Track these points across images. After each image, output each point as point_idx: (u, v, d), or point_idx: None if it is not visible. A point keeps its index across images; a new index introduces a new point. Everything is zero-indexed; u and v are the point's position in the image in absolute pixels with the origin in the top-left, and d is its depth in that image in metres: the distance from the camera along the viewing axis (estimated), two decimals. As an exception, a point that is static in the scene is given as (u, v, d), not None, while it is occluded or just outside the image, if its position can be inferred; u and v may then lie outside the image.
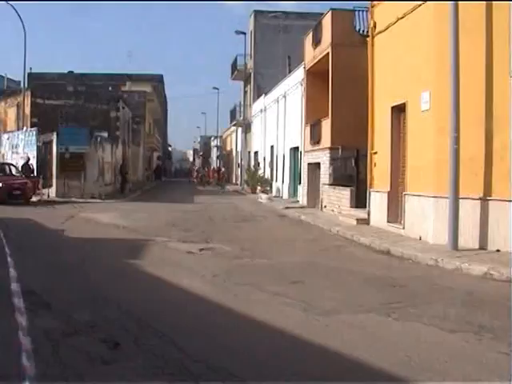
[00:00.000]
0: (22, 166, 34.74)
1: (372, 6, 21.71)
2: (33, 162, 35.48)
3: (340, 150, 27.23)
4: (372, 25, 21.50)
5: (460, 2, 14.92)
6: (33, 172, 34.31)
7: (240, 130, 67.21)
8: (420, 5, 17.26)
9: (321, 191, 29.91)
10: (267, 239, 18.61)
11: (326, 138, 29.03)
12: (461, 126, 14.77)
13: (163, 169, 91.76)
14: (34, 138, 36.64)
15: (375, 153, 21.24)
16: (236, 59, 65.16)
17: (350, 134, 24.96)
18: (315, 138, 31.23)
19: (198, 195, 44.38)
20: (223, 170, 79.01)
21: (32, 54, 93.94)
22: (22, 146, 38.21)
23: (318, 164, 30.81)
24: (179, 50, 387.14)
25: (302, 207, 31.66)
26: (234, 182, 70.66)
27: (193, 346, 6.92)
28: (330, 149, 28.31)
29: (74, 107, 44.08)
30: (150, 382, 5.83)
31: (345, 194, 25.18)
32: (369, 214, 21.54)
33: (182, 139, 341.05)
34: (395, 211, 19.30)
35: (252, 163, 56.14)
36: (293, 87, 38.47)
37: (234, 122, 69.27)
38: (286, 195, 40.19)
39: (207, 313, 8.89)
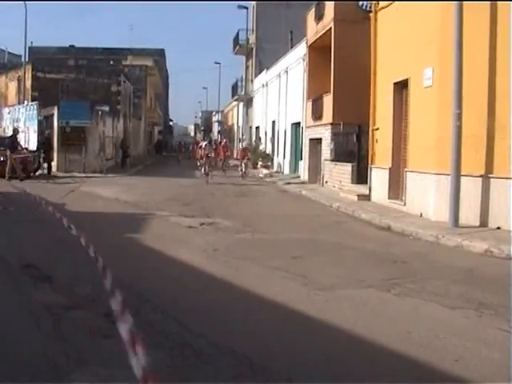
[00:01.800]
0: (39, 141, 34.71)
1: (375, -19, 21.58)
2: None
3: (342, 126, 27.15)
4: (375, 0, 21.36)
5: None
6: (52, 150, 34.33)
7: (241, 104, 67.04)
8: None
9: (322, 167, 29.88)
10: (268, 214, 18.63)
11: (328, 114, 28.92)
12: (463, 103, 14.72)
13: (164, 143, 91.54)
14: (35, 112, 36.57)
15: (377, 129, 21.19)
16: (238, 34, 64.84)
17: (352, 110, 24.86)
18: (317, 114, 31.12)
19: (198, 170, 44.32)
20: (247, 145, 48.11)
21: (33, 28, 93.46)
22: (23, 120, 38.16)
23: (320, 140, 30.74)
24: (181, 24, 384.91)
25: (303, 183, 31.65)
26: (235, 157, 70.55)
27: (193, 321, 6.93)
28: (332, 124, 28.21)
29: (75, 81, 44.02)
30: (150, 355, 5.85)
31: (346, 169, 25.15)
32: (370, 190, 21.53)
33: (183, 114, 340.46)
34: (396, 187, 19.28)
35: (253, 138, 56.07)
36: (295, 62, 38.31)
37: (236, 97, 69.10)
38: (287, 171, 40.17)
39: (208, 287, 8.91)
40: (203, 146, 37.52)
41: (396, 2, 19.30)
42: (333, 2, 28.18)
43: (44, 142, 34.47)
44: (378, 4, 21.02)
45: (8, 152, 28.93)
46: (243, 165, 37.57)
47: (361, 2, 23.15)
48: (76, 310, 7.26)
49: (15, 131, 32.09)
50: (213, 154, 38.28)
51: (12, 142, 30.26)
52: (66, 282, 8.65)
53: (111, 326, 6.71)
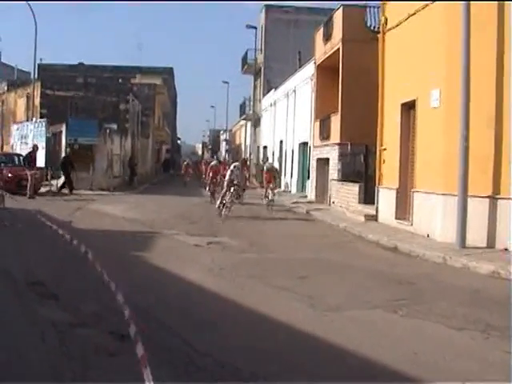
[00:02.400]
0: (63, 158, 34.47)
1: (383, 3, 21.66)
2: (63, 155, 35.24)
3: (349, 146, 27.20)
4: (383, 21, 21.44)
5: (472, 2, 14.92)
6: (73, 167, 34.20)
7: (249, 124, 67.19)
8: (432, 2, 17.22)
9: (329, 187, 29.89)
10: (274, 234, 18.62)
11: (336, 134, 28.98)
12: (471, 124, 14.73)
13: (172, 162, 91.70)
14: (44, 129, 36.68)
15: (384, 149, 21.20)
16: (246, 53, 65.09)
17: (360, 130, 24.91)
18: (324, 134, 31.19)
19: (205, 189, 44.28)
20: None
21: (42, 45, 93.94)
22: (32, 136, 38.26)
23: (327, 159, 30.78)
24: (190, 44, 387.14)
25: (310, 202, 31.61)
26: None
27: (199, 340, 6.92)
28: (339, 144, 28.26)
29: (83, 99, 44.15)
30: (155, 373, 5.84)
31: (353, 189, 25.13)
32: (377, 211, 21.50)
33: (191, 133, 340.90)
34: (403, 208, 19.25)
35: (261, 158, 56.15)
36: (303, 82, 38.42)
37: (244, 116, 69.31)
38: (294, 190, 40.17)
39: (214, 306, 8.90)
40: (231, 169, 25.03)
41: (403, 24, 19.33)
42: (341, 24, 28.30)
43: (65, 160, 34.23)
44: (386, 25, 21.09)
45: (28, 171, 29.02)
46: (269, 191, 28.31)
47: (369, 23, 23.29)
48: (82, 328, 7.26)
49: (35, 147, 32.18)
50: (240, 183, 25.41)
51: (32, 158, 30.40)
52: (72, 299, 8.66)
53: (117, 343, 6.72)
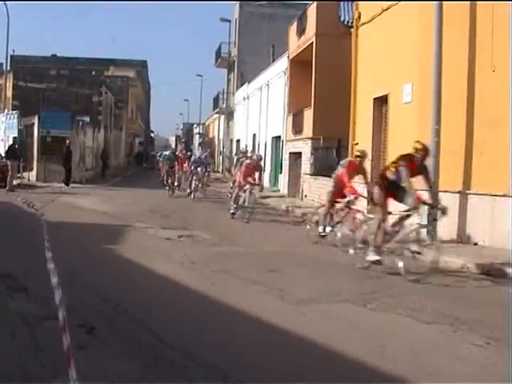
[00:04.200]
0: (64, 153, 34.06)
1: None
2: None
3: (322, 141, 27.27)
4: (356, 16, 21.50)
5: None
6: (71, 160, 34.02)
7: (223, 117, 67.14)
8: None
9: (302, 181, 29.94)
10: (245, 227, 18.62)
11: (308, 128, 29.03)
12: (442, 119, 14.82)
13: (145, 155, 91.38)
14: (16, 121, 36.36)
15: (356, 144, 21.21)
16: (220, 47, 64.98)
17: (332, 125, 24.96)
18: (297, 128, 31.23)
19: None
20: None
21: (15, 37, 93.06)
22: (3, 128, 37.94)
23: (300, 154, 30.83)
24: (164, 36, 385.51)
25: (283, 196, 31.67)
26: (215, 169, 70.41)
27: (169, 333, 6.92)
28: (312, 139, 28.32)
29: (56, 91, 43.89)
30: (125, 366, 5.84)
31: (326, 183, 25.17)
32: (349, 205, 21.53)
33: (164, 126, 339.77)
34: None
35: (234, 151, 56.14)
36: (276, 76, 38.42)
37: (217, 110, 69.30)
38: (266, 184, 40.15)
39: (184, 300, 8.90)
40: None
41: (377, 19, 19.40)
42: (315, 18, 28.33)
43: (67, 152, 34.05)
44: (360, 20, 21.14)
45: (9, 162, 28.88)
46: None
47: (342, 17, 23.34)
48: (51, 321, 7.22)
49: (15, 140, 32.14)
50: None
51: (13, 151, 30.26)
52: (42, 292, 8.61)
53: (86, 336, 6.71)
